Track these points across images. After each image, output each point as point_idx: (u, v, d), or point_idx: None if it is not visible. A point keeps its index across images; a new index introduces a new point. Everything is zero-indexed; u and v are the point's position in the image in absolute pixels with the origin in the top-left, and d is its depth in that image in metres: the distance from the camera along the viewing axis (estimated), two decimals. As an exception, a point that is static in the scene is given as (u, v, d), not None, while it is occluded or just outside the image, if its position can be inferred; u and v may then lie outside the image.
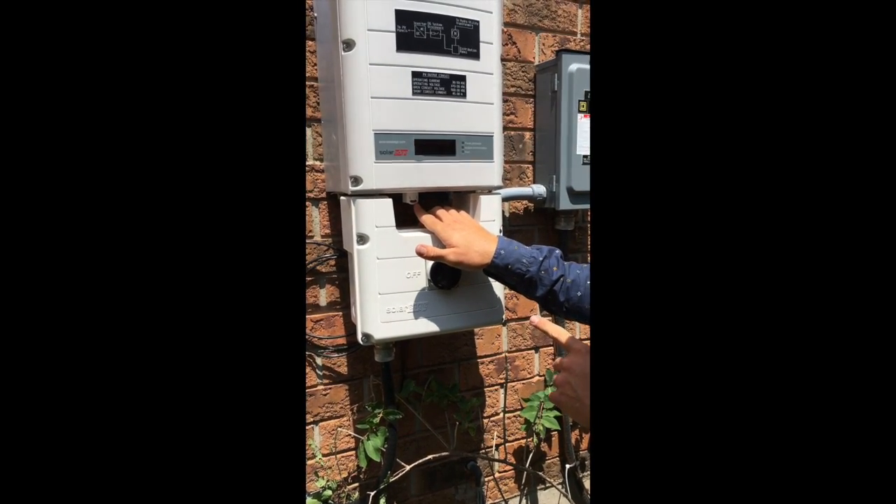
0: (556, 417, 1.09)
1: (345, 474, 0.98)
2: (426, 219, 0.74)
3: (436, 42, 0.70)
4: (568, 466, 1.20)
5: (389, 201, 0.73)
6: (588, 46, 1.11)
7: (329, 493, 0.93)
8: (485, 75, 0.74)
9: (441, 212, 0.74)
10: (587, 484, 1.25)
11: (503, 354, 1.11)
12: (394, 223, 0.73)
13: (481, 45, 0.73)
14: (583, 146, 0.99)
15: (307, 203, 0.87)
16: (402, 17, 0.67)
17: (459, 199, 0.83)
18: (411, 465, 0.96)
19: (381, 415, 0.92)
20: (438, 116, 0.72)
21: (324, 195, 0.88)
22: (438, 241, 0.73)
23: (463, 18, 0.71)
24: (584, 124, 0.99)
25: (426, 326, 0.76)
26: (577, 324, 1.22)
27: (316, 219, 0.89)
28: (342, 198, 0.78)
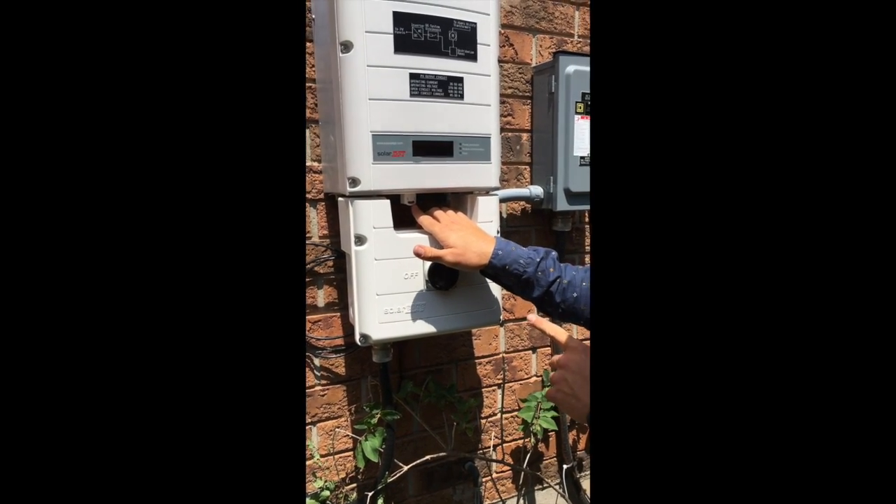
0: (553, 418, 1.10)
1: (343, 475, 0.98)
2: (424, 219, 0.74)
3: (433, 44, 0.70)
4: (565, 467, 1.20)
5: (387, 202, 0.73)
6: (585, 48, 1.11)
7: (327, 493, 0.93)
8: (482, 77, 0.75)
9: (438, 213, 0.75)
10: (585, 484, 1.26)
11: (500, 355, 1.11)
12: (391, 224, 0.73)
13: (479, 46, 0.74)
14: (580, 148, 0.99)
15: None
16: (400, 19, 0.68)
17: (457, 200, 0.83)
18: (409, 466, 0.96)
19: (378, 415, 0.93)
20: (436, 118, 0.72)
21: (321, 196, 0.88)
22: (436, 242, 0.73)
23: (460, 20, 0.72)
24: (581, 126, 0.99)
25: (424, 327, 0.76)
26: (573, 325, 1.22)
27: (314, 220, 0.89)
28: (340, 199, 0.79)
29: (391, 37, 0.68)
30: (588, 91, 0.97)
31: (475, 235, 0.71)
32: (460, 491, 1.11)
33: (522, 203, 1.07)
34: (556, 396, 0.57)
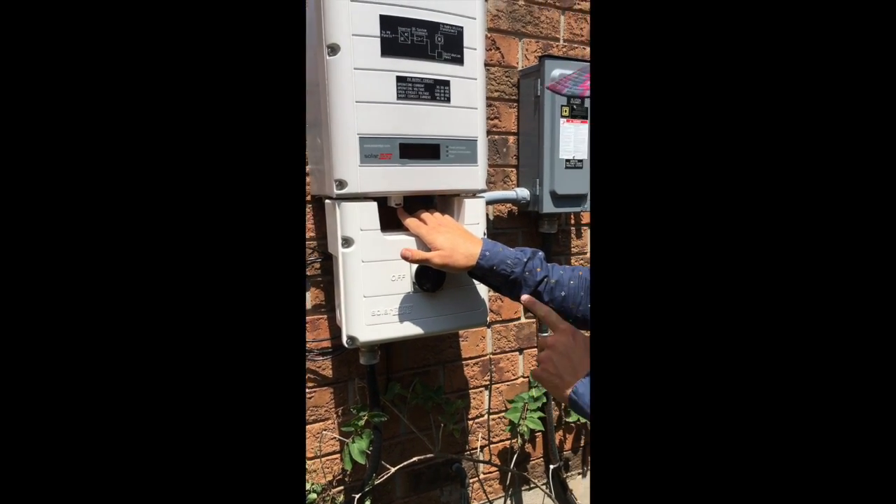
0: (539, 418, 1.11)
1: (329, 477, 0.98)
2: (410, 222, 0.75)
3: (420, 47, 0.71)
4: (552, 467, 1.21)
5: (374, 205, 0.73)
6: (571, 52, 1.13)
7: (314, 496, 0.92)
8: (469, 80, 0.75)
9: (425, 215, 0.75)
10: (571, 484, 1.27)
11: (488, 356, 1.12)
12: (378, 226, 0.74)
13: (465, 50, 0.74)
14: (566, 150, 1.01)
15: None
16: (387, 22, 0.68)
17: (444, 202, 0.83)
18: (396, 468, 0.96)
19: (365, 417, 0.93)
20: (423, 121, 0.73)
21: (309, 198, 0.88)
22: (423, 245, 0.73)
23: (447, 24, 0.72)
24: (566, 129, 1.00)
25: (411, 329, 0.77)
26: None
27: (300, 222, 0.89)
28: (327, 201, 0.79)
29: (378, 40, 0.68)
30: (572, 94, 0.98)
31: (462, 237, 0.72)
32: (448, 492, 1.11)
33: (509, 205, 1.08)
34: (541, 375, 0.59)
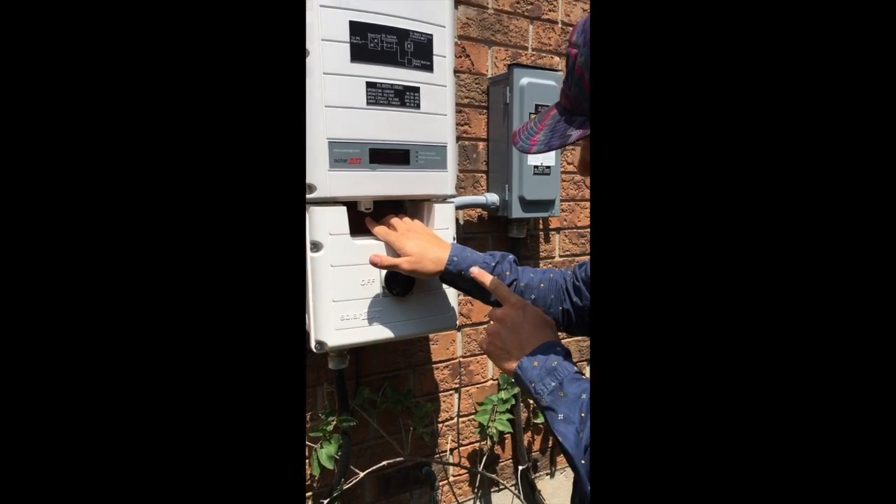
0: (508, 420, 1.12)
1: (298, 484, 0.97)
2: (379, 230, 0.75)
3: (390, 54, 0.71)
4: (521, 468, 1.23)
5: (343, 209, 0.73)
6: (539, 61, 1.15)
7: (281, 503, 0.91)
8: (438, 87, 0.76)
9: (395, 221, 0.76)
10: (539, 485, 1.29)
11: (457, 359, 1.13)
12: (348, 231, 0.74)
13: (434, 57, 0.75)
14: (534, 157, 1.03)
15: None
16: (356, 28, 0.68)
17: (414, 207, 0.84)
18: (365, 472, 0.96)
19: (334, 422, 0.92)
20: (392, 126, 0.73)
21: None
22: (393, 250, 0.74)
23: (416, 32, 0.73)
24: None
25: (381, 333, 0.77)
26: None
27: (269, 225, 0.88)
28: (296, 205, 0.78)
29: (347, 45, 0.68)
30: (541, 103, 1.01)
31: (431, 243, 0.72)
32: (417, 496, 1.11)
33: (479, 210, 1.09)
34: (489, 349, 0.59)
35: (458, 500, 1.17)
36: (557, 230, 1.24)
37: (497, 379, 1.19)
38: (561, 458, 1.34)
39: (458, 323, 0.87)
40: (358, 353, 0.99)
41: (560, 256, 1.25)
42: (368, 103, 0.71)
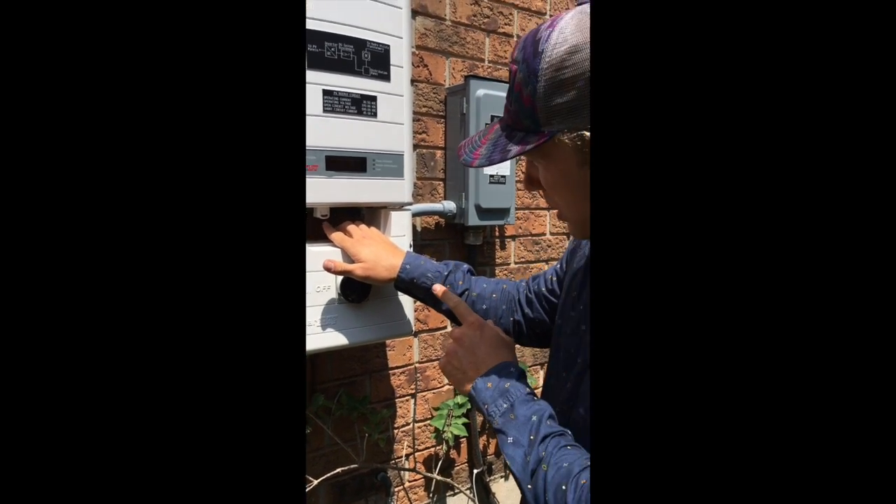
0: (464, 424, 1.14)
1: (249, 494, 0.95)
2: (335, 236, 0.75)
3: (347, 63, 0.72)
4: (476, 471, 1.24)
5: (299, 216, 0.73)
6: (495, 73, 1.18)
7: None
8: (395, 97, 0.78)
9: (351, 227, 0.76)
10: (494, 487, 1.31)
11: (414, 365, 1.14)
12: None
13: (392, 67, 0.77)
14: (490, 167, 1.05)
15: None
16: (313, 36, 0.69)
17: (371, 214, 0.85)
18: (319, 480, 0.95)
19: (288, 430, 0.91)
20: (349, 134, 0.74)
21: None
22: (348, 257, 0.74)
23: (373, 42, 0.74)
24: (490, 146, 1.05)
25: (336, 339, 0.77)
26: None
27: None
28: (250, 211, 0.77)
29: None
30: (496, 114, 1.04)
31: (386, 250, 0.73)
32: (373, 502, 1.11)
33: (436, 217, 1.11)
34: (446, 368, 0.59)
35: (413, 506, 1.17)
36: (513, 237, 1.27)
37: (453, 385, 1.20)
38: (515, 461, 1.36)
39: (414, 328, 0.88)
40: (313, 360, 0.98)
41: (515, 263, 1.28)
42: (325, 111, 0.71)
